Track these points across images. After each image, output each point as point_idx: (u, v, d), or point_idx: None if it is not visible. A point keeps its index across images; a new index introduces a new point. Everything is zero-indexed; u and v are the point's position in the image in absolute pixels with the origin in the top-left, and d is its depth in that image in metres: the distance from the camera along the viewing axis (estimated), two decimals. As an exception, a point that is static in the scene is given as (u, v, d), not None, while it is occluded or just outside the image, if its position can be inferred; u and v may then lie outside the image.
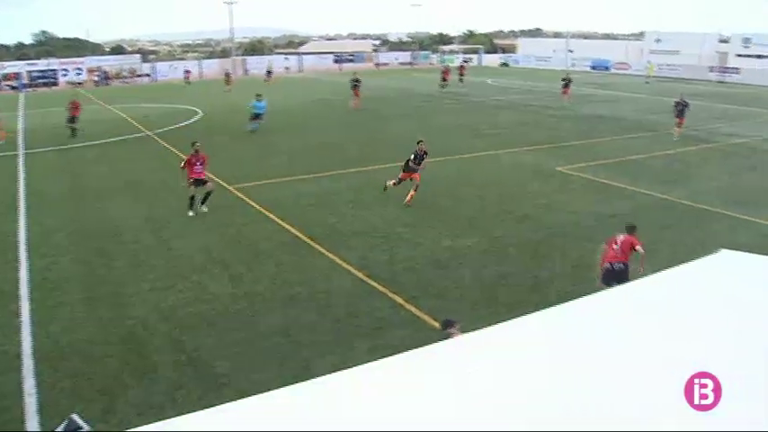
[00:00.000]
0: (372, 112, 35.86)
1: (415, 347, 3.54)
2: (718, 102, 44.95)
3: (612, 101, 44.41)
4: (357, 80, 37.73)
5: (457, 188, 19.25)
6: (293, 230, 15.19)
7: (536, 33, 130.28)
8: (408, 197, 17.19)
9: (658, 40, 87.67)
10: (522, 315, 3.79)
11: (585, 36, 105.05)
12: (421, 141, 17.62)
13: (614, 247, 10.83)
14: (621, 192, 18.90)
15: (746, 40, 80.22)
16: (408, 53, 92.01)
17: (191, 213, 16.44)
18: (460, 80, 55.38)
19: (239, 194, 18.58)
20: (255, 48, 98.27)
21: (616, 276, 10.39)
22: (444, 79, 50.35)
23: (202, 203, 16.72)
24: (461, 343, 3.84)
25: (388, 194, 18.14)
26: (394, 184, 17.55)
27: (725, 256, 4.79)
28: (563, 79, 42.34)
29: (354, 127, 31.19)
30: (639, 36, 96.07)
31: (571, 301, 4.01)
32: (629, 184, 19.77)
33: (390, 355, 3.44)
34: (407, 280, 12.17)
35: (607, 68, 79.99)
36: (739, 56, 79.62)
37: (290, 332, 10.16)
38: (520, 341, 3.62)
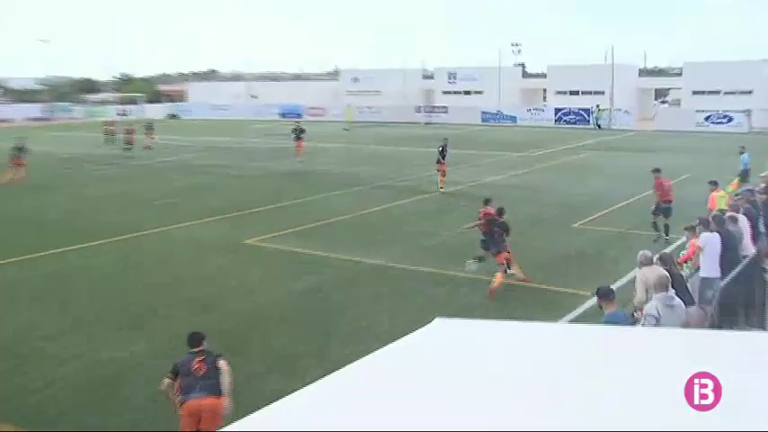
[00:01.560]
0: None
1: None
2: (427, 146, 48.98)
3: (307, 153, 46.31)
4: (21, 148, 35.81)
5: (118, 278, 18.45)
6: None
7: (210, 76, 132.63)
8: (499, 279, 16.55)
9: (356, 80, 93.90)
10: None
11: (273, 77, 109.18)
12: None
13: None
14: (326, 261, 19.47)
15: (452, 75, 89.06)
16: (40, 105, 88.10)
17: None
18: (110, 139, 53.69)
19: None
20: None
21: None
22: (128, 142, 48.61)
23: None
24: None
25: (17, 287, 16.92)
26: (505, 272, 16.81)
27: (440, 325, 5.44)
28: (294, 130, 43.39)
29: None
30: (334, 75, 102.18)
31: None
32: (334, 250, 20.45)
33: None
34: (53, 414, 11.18)
35: (300, 116, 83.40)
36: (446, 93, 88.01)
37: None
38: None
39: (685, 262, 14.56)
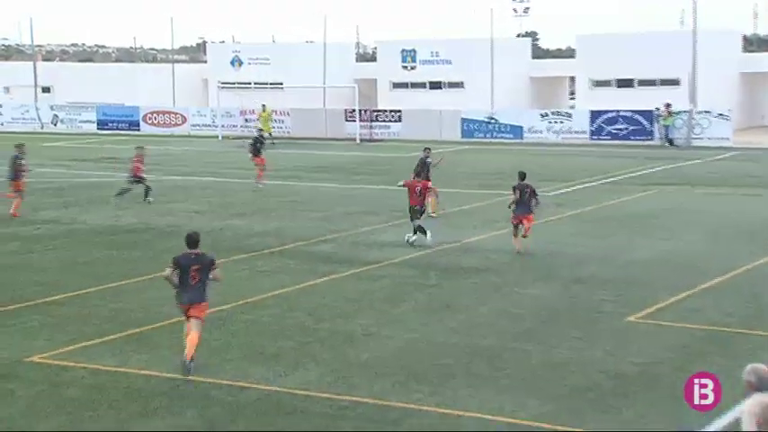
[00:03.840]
0: None
1: None
2: (367, 179, 49.08)
3: (158, 194, 46.06)
4: None
5: None
6: None
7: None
8: (518, 246, 31.37)
9: (238, 61, 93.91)
10: None
11: (82, 56, 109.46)
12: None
13: (416, 193, 33.25)
14: (184, 391, 19.09)
15: (409, 55, 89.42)
16: None
17: None
18: None
19: None
20: None
21: (419, 213, 33.45)
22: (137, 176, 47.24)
23: None
24: None
25: None
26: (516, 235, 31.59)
27: None
28: (254, 140, 47.35)
29: None
30: (197, 53, 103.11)
31: None
32: (200, 370, 19.92)
33: None
34: None
35: (136, 126, 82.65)
36: (398, 86, 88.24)
37: None
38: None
39: None
